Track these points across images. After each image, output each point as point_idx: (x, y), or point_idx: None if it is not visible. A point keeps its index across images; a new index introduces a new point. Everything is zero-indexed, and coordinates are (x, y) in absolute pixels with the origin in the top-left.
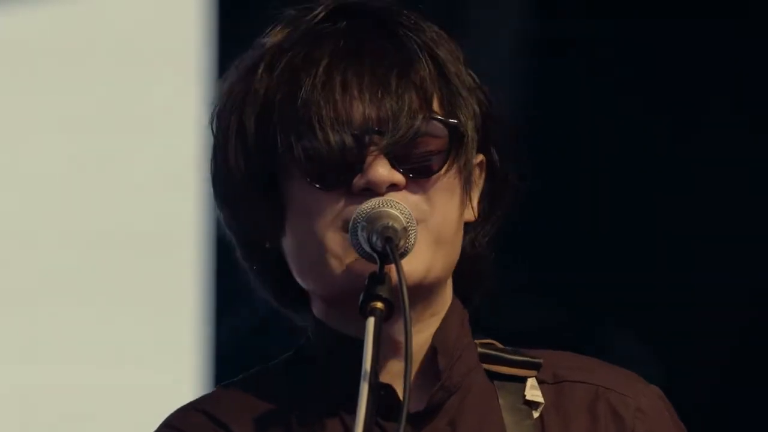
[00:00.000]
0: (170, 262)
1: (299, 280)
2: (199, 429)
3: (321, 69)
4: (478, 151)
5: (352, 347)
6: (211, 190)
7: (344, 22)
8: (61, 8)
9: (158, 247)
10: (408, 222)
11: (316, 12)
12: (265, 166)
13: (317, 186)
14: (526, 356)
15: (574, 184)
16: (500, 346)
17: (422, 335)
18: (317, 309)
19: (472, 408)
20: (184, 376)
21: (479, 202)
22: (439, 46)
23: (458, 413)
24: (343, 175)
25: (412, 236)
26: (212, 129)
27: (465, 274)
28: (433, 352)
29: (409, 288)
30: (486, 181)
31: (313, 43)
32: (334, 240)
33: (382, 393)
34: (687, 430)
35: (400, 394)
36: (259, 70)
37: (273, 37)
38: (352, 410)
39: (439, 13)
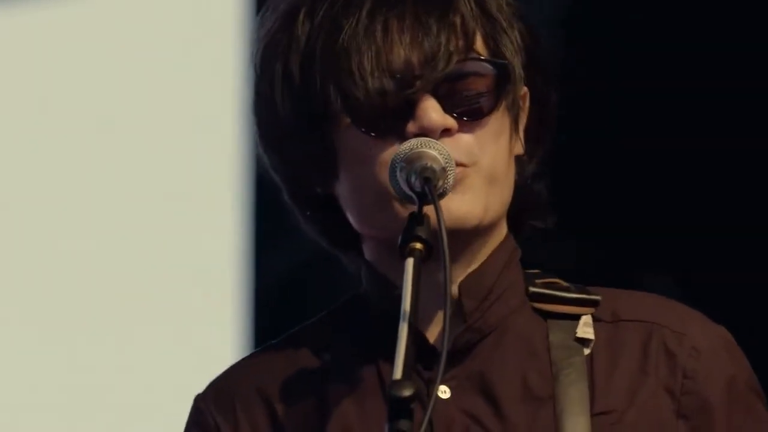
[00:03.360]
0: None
1: (355, 224)
2: (225, 408)
3: (363, 14)
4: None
5: (399, 293)
6: (257, 134)
7: None
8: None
9: (199, 204)
10: (446, 162)
11: None
12: (315, 114)
13: (369, 134)
14: (586, 293)
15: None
16: (563, 284)
17: (461, 275)
18: (369, 252)
19: (511, 348)
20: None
21: (526, 134)
22: None
23: (493, 354)
24: (392, 121)
25: (450, 176)
26: (256, 73)
27: (519, 208)
28: (461, 294)
29: (460, 230)
30: (531, 111)
31: None
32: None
33: (418, 341)
34: (756, 374)
35: (431, 339)
36: (300, 16)
37: None
38: (390, 357)
39: None
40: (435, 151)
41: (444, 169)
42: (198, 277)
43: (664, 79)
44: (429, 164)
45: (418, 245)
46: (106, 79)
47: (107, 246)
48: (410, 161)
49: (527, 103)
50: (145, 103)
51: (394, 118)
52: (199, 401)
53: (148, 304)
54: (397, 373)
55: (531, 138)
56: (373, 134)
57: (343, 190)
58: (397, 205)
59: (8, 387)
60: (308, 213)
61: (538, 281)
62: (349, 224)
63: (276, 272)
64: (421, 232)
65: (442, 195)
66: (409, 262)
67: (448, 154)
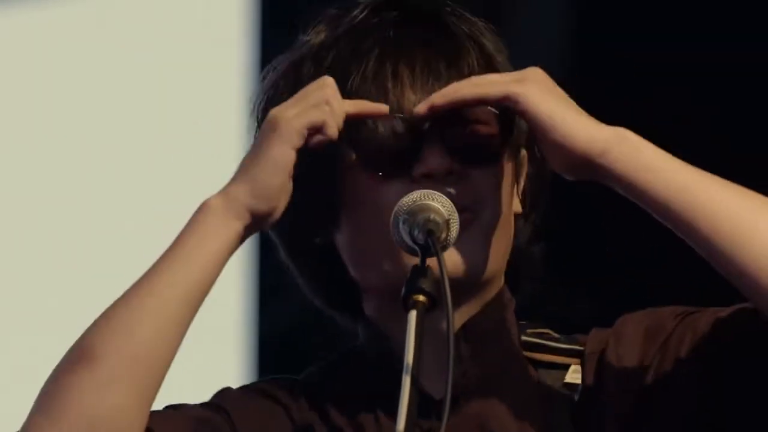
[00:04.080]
0: None
1: (356, 274)
2: (287, 398)
3: (372, 60)
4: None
5: (398, 347)
6: None
7: (389, 15)
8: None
9: None
10: (449, 214)
11: (360, 8)
12: (320, 158)
13: (378, 173)
14: (575, 344)
15: None
16: (554, 335)
17: (459, 323)
18: (369, 306)
19: (507, 395)
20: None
21: (523, 195)
22: (485, 37)
23: (491, 401)
24: (399, 163)
25: (453, 229)
26: (257, 122)
27: (514, 264)
28: (459, 340)
29: (462, 281)
30: (529, 173)
31: (360, 36)
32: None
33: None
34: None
35: (427, 387)
36: (306, 65)
37: (316, 35)
38: (390, 409)
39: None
40: (438, 203)
41: (447, 222)
42: (202, 323)
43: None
44: (432, 217)
45: (421, 298)
46: (106, 80)
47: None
48: (413, 213)
49: (526, 165)
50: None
51: (400, 160)
52: (228, 389)
53: None
54: (401, 426)
55: (528, 199)
56: (380, 174)
57: (344, 237)
58: (400, 251)
59: (6, 395)
60: (307, 267)
61: (529, 331)
62: (348, 278)
63: (279, 320)
64: (425, 284)
65: (445, 248)
66: (412, 315)
67: (452, 207)
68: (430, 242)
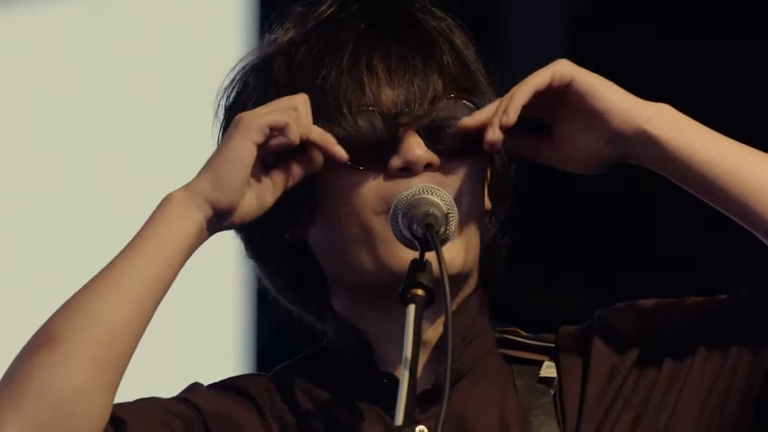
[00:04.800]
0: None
1: (331, 268)
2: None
3: (346, 54)
4: None
5: (375, 340)
6: None
7: (359, 8)
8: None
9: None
10: (448, 209)
11: (327, 3)
12: (293, 154)
13: (356, 167)
14: (545, 342)
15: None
16: (523, 333)
17: (439, 320)
18: (340, 303)
19: (485, 390)
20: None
21: (490, 191)
22: (454, 33)
23: (469, 395)
24: (376, 156)
25: (452, 223)
26: (223, 121)
27: (485, 261)
28: (442, 336)
29: (450, 276)
30: (496, 172)
31: (331, 30)
32: (376, 221)
33: (384, 381)
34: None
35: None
36: (277, 61)
37: (284, 33)
38: (371, 401)
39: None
40: (437, 197)
41: (446, 216)
42: (200, 324)
43: None
44: (431, 210)
45: (420, 292)
46: (106, 80)
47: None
48: (412, 207)
49: (494, 163)
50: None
51: (378, 153)
52: (197, 385)
53: (152, 353)
54: (399, 419)
55: (494, 196)
56: (360, 167)
57: (319, 231)
58: (378, 245)
59: None
60: (275, 263)
61: (499, 329)
62: (318, 274)
63: (278, 320)
64: (423, 278)
65: (444, 241)
66: (411, 309)
67: (451, 201)
68: (430, 236)
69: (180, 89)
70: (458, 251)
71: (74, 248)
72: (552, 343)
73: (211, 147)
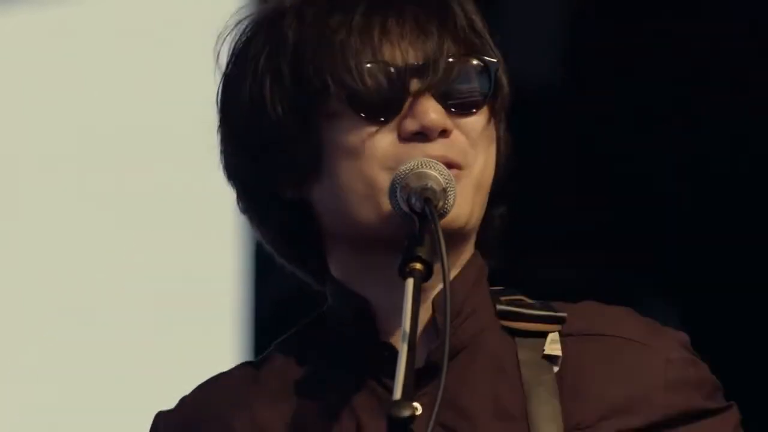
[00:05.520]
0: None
1: (335, 224)
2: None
3: (357, 15)
4: None
5: (368, 311)
6: (226, 138)
7: None
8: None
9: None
10: (447, 183)
11: None
12: (308, 110)
13: (370, 120)
14: (551, 311)
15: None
16: (528, 301)
17: (434, 292)
18: (337, 266)
19: (483, 366)
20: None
21: (496, 158)
22: (466, 2)
23: (465, 372)
24: (389, 115)
25: (450, 197)
26: (231, 77)
27: (487, 227)
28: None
29: (453, 232)
30: (499, 138)
31: None
32: (383, 177)
33: (385, 354)
34: (714, 378)
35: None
36: (286, 19)
37: None
38: (361, 374)
39: None
40: (436, 171)
41: (444, 190)
42: (198, 299)
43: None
44: (430, 185)
45: (418, 266)
46: (106, 81)
47: (108, 265)
48: (411, 180)
49: (500, 130)
50: (142, 129)
51: (391, 112)
52: (160, 421)
53: (149, 329)
54: (397, 394)
55: (499, 161)
56: (378, 120)
57: (325, 189)
58: (384, 200)
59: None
60: (273, 220)
61: (503, 298)
62: (317, 234)
63: (275, 294)
64: (421, 252)
65: (443, 215)
66: (409, 283)
67: (449, 175)
68: (428, 210)
69: (180, 89)
70: (462, 207)
71: (74, 248)
72: (563, 313)
73: (211, 147)
